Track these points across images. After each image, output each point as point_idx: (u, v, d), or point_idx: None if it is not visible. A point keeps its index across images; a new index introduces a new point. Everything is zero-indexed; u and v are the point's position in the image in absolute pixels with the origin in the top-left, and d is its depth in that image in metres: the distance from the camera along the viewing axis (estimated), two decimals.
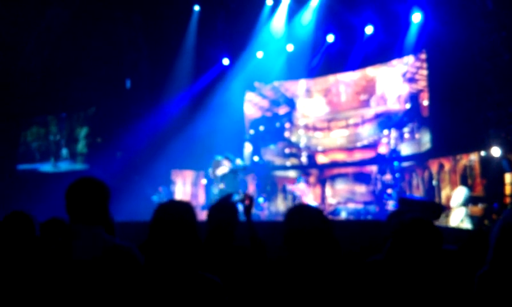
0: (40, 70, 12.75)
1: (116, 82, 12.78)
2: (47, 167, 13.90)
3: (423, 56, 11.53)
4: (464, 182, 9.86)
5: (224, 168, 10.36)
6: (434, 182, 10.64)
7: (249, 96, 14.24)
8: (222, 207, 3.17)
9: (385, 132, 12.11)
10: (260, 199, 12.81)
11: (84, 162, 13.34)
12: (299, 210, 2.25)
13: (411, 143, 11.64)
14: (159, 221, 1.96)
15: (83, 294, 1.91)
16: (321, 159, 13.24)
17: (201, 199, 13.22)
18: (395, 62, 12.12)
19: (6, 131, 13.46)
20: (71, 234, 2.03)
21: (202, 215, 11.95)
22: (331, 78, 13.29)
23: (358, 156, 12.55)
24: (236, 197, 3.54)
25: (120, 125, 12.37)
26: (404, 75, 11.95)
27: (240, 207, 3.39)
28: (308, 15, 12.60)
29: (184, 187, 13.20)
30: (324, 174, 12.96)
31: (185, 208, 2.02)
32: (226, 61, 13.63)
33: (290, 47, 13.17)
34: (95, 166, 12.48)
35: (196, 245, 1.94)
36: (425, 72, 11.46)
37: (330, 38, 12.61)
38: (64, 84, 12.89)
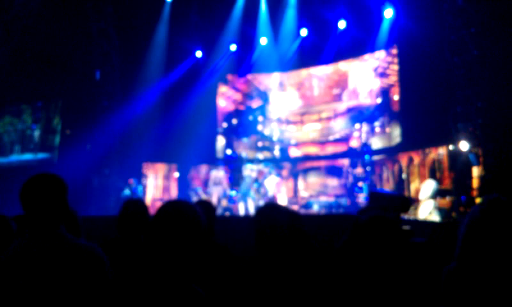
0: (7, 59, 12.34)
1: (86, 74, 12.49)
2: (21, 159, 13.49)
3: (394, 51, 11.69)
4: (432, 175, 10.07)
5: None
6: (403, 175, 10.84)
7: (222, 89, 14.17)
8: (202, 204, 3.17)
9: (357, 125, 12.25)
10: (233, 193, 12.81)
11: (58, 155, 13.00)
12: (268, 209, 2.25)
13: (382, 137, 11.81)
14: (165, 222, 1.85)
15: (43, 297, 1.85)
16: (294, 153, 13.30)
17: (174, 192, 13.12)
18: (367, 57, 12.26)
19: None
20: (29, 235, 1.95)
21: None
22: (304, 72, 13.34)
23: (330, 149, 12.67)
24: None
25: (90, 117, 12.11)
26: (375, 69, 12.10)
27: None
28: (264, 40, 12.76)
29: (156, 180, 13.06)
30: (296, 167, 13.04)
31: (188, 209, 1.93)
32: (198, 54, 13.51)
33: (263, 40, 13.14)
34: (65, 159, 12.21)
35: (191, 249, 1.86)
36: (396, 67, 11.62)
37: (304, 32, 12.64)
38: (34, 74, 12.53)
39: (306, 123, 13.23)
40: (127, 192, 11.51)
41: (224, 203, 12.76)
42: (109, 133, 11.82)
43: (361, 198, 11.36)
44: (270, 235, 2.12)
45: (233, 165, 13.37)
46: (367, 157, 11.72)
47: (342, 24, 11.96)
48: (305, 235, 2.20)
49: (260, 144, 13.75)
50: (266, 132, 13.73)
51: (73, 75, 12.40)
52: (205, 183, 13.25)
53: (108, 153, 11.95)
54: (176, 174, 13.24)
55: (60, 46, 12.31)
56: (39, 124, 13.46)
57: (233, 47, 13.41)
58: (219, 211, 12.25)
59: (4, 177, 12.30)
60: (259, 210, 2.27)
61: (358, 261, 1.97)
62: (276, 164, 13.30)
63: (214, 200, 12.66)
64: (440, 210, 9.61)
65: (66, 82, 12.54)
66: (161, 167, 13.21)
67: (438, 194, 9.81)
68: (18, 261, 1.88)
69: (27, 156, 13.37)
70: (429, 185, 9.99)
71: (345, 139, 12.45)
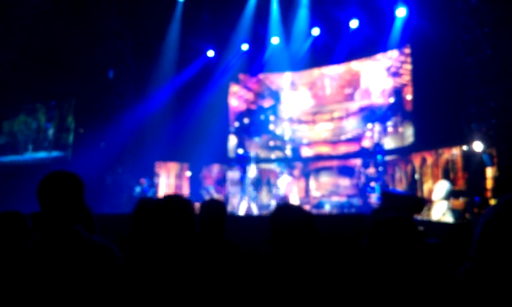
0: (22, 59, 12.49)
1: (99, 73, 12.60)
2: (35, 157, 13.64)
3: (407, 51, 11.61)
4: (446, 176, 9.99)
5: None
6: (416, 176, 10.77)
7: (234, 89, 14.20)
8: (213, 203, 3.21)
9: (369, 125, 12.19)
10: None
11: (72, 153, 13.13)
12: (283, 209, 2.31)
13: (395, 137, 11.74)
14: (162, 216, 1.93)
15: (60, 293, 1.87)
16: (306, 152, 13.28)
17: (186, 191, 13.17)
18: (379, 56, 12.19)
19: None
20: (46, 232, 1.98)
21: None
22: (316, 72, 13.31)
23: (342, 149, 12.63)
24: None
25: (103, 115, 12.21)
26: (388, 69, 12.03)
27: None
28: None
29: (168, 179, 13.13)
30: (308, 167, 13.02)
31: (187, 204, 1.99)
32: (210, 53, 13.55)
33: (275, 40, 13.14)
34: (78, 157, 12.33)
35: (188, 241, 1.92)
36: (409, 67, 11.55)
37: (316, 31, 12.61)
38: (48, 73, 12.66)
39: (318, 122, 13.20)
40: (137, 190, 11.60)
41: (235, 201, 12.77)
42: (122, 132, 11.91)
43: (374, 198, 11.29)
44: (285, 233, 2.16)
45: (245, 165, 13.38)
46: (379, 157, 11.65)
47: (354, 23, 11.91)
48: (317, 233, 2.24)
49: (271, 143, 13.76)
50: (278, 132, 13.73)
51: (87, 74, 12.51)
52: (217, 182, 13.28)
53: (121, 152, 12.04)
54: (188, 173, 13.30)
55: (74, 45, 12.43)
56: (53, 123, 13.61)
57: (245, 47, 13.42)
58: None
59: (18, 175, 12.46)
60: (275, 209, 2.32)
61: (380, 262, 1.99)
62: (287, 163, 13.29)
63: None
64: (454, 211, 9.53)
65: (80, 81, 12.65)
66: (173, 166, 13.28)
67: (451, 194, 9.73)
68: (36, 258, 1.91)
69: (41, 154, 13.53)
70: (443, 186, 9.91)
71: (357, 139, 12.40)
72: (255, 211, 12.12)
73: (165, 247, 1.87)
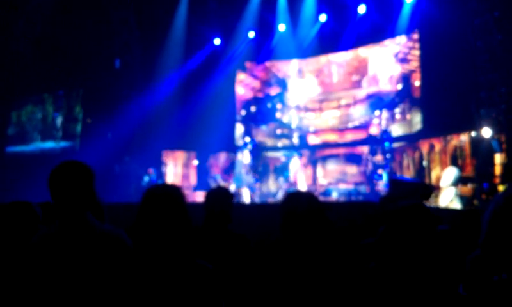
0: (29, 49, 12.53)
1: (106, 62, 12.61)
2: (43, 146, 13.73)
3: (415, 36, 11.48)
4: (454, 162, 9.93)
5: None
6: (424, 163, 10.71)
7: (241, 77, 14.15)
8: (219, 191, 3.21)
9: (376, 112, 12.12)
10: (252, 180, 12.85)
11: (80, 143, 13.19)
12: (294, 196, 2.32)
13: (402, 124, 11.67)
14: (148, 205, 1.95)
15: (72, 282, 1.89)
16: (313, 140, 13.24)
17: (193, 180, 13.21)
18: (387, 42, 12.07)
19: None
20: (58, 221, 1.99)
21: (194, 196, 11.93)
22: (323, 59, 13.22)
23: (350, 137, 12.57)
24: None
25: (111, 105, 12.25)
26: (396, 55, 11.92)
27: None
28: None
29: (175, 168, 13.17)
30: (315, 155, 12.99)
31: (175, 191, 2.00)
32: (217, 41, 13.50)
33: (282, 27, 13.04)
34: (86, 147, 12.39)
35: (186, 229, 1.94)
36: (417, 52, 11.43)
37: (323, 18, 12.50)
38: (55, 63, 12.69)
39: (325, 110, 13.14)
40: (146, 179, 11.66)
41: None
42: (129, 121, 11.94)
43: (381, 186, 11.27)
44: (296, 219, 2.18)
45: (253, 153, 13.38)
46: (386, 144, 11.60)
47: (361, 9, 11.79)
48: (328, 220, 2.25)
49: (278, 131, 13.72)
50: (285, 120, 13.69)
51: (94, 64, 12.53)
52: (224, 171, 13.31)
53: (128, 141, 12.09)
54: (196, 162, 13.32)
55: (81, 35, 12.43)
56: (61, 113, 13.67)
57: (251, 34, 13.35)
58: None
59: (27, 165, 12.56)
60: (286, 196, 2.34)
61: (399, 249, 2.00)
62: (294, 151, 13.27)
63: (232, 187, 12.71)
64: (462, 197, 9.48)
65: (87, 71, 12.68)
66: (180, 155, 13.31)
67: (459, 181, 9.67)
68: (49, 247, 1.93)
69: (50, 144, 13.61)
70: (451, 172, 9.86)
71: (364, 126, 12.33)
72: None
73: (157, 236, 1.88)
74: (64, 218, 2.00)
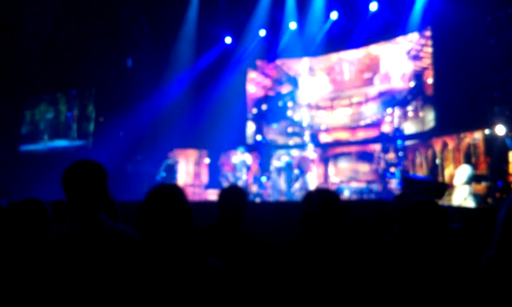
0: (42, 49, 12.66)
1: (117, 62, 12.70)
2: (56, 145, 13.87)
3: (428, 33, 11.38)
4: (467, 160, 9.83)
5: None
6: (437, 161, 10.62)
7: (252, 75, 14.14)
8: (234, 190, 3.21)
9: (389, 110, 12.04)
10: (263, 178, 12.85)
11: (93, 142, 13.30)
12: (318, 193, 2.33)
13: (415, 122, 11.58)
14: (149, 204, 1.95)
15: (84, 280, 1.91)
16: (324, 138, 13.19)
17: (205, 178, 13.25)
18: (399, 39, 11.98)
19: (6, 112, 13.41)
20: (71, 219, 2.01)
21: (205, 195, 11.95)
22: (335, 57, 13.16)
23: (362, 135, 12.51)
24: None
25: (123, 104, 12.33)
26: (408, 52, 11.82)
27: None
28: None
29: (187, 166, 13.22)
30: (327, 153, 12.94)
31: (175, 191, 2.00)
32: (228, 40, 13.51)
33: (292, 25, 13.01)
34: (99, 146, 12.49)
35: (190, 228, 1.94)
36: (430, 49, 11.32)
37: (334, 15, 12.44)
38: (68, 63, 12.81)
39: (337, 108, 13.08)
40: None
41: (254, 188, 12.81)
42: (141, 120, 12.01)
43: (393, 184, 11.19)
44: (318, 216, 2.18)
45: (263, 151, 13.38)
46: (399, 142, 11.52)
47: (373, 6, 11.72)
48: (349, 219, 2.25)
49: (290, 129, 13.70)
50: (296, 118, 13.66)
51: (106, 63, 12.62)
52: (236, 169, 13.32)
53: (140, 140, 12.16)
54: (207, 160, 13.36)
55: (92, 35, 12.52)
56: (74, 112, 13.79)
57: (262, 32, 13.33)
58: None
59: (40, 164, 12.68)
60: (307, 193, 2.35)
61: (413, 247, 1.98)
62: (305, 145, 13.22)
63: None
64: (475, 196, 9.39)
65: (99, 70, 12.77)
66: (192, 153, 13.35)
67: (473, 179, 9.58)
68: (64, 245, 1.95)
69: (63, 143, 13.74)
70: (464, 170, 9.77)
71: (376, 124, 12.26)
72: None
73: (158, 235, 1.90)
74: (77, 216, 2.02)
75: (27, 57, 12.68)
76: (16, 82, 13.04)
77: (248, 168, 13.18)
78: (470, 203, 9.34)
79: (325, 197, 2.26)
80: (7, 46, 12.29)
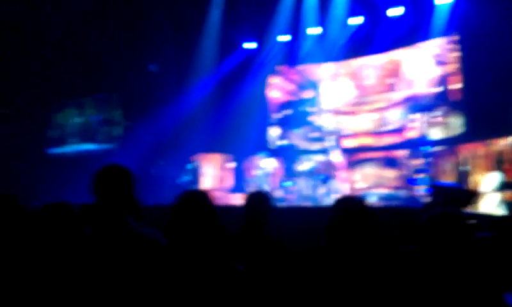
0: (69, 53, 12.93)
1: (142, 66, 12.89)
2: (82, 148, 14.13)
3: (455, 38, 11.18)
4: (497, 167, 9.60)
5: None
6: (465, 167, 10.40)
7: (274, 80, 14.14)
8: (257, 194, 3.24)
9: (414, 115, 11.86)
10: (288, 183, 12.83)
11: (119, 145, 13.50)
12: (347, 200, 2.32)
13: (442, 127, 11.37)
14: (178, 209, 1.98)
15: (111, 283, 1.93)
16: (347, 143, 13.06)
17: (229, 182, 13.28)
18: (423, 44, 11.82)
19: (34, 116, 13.73)
20: (100, 222, 2.06)
21: (230, 199, 12.02)
22: (357, 62, 13.05)
23: (386, 140, 12.34)
24: None
25: (147, 108, 12.49)
26: (434, 57, 11.64)
27: None
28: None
29: (213, 170, 13.29)
30: (351, 158, 12.81)
31: (203, 197, 2.03)
32: (250, 45, 13.56)
33: (315, 30, 12.96)
34: (124, 149, 12.68)
35: (217, 233, 1.97)
36: (456, 55, 11.12)
37: (356, 21, 12.36)
38: (95, 67, 13.05)
39: (360, 113, 12.96)
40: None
41: (279, 193, 12.78)
42: (164, 124, 12.13)
43: (420, 190, 11.00)
44: (348, 223, 2.16)
45: (288, 155, 13.36)
46: (427, 147, 11.33)
47: (396, 11, 11.61)
48: (378, 226, 2.22)
49: (312, 134, 13.63)
50: (318, 123, 13.58)
51: (130, 67, 12.81)
52: (260, 174, 13.32)
53: (163, 144, 12.29)
54: (232, 165, 13.40)
55: (118, 40, 12.73)
56: (100, 116, 14.02)
57: (284, 38, 13.33)
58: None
59: (67, 167, 12.93)
60: (337, 199, 2.33)
61: (435, 259, 1.96)
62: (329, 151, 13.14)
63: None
64: (506, 203, 9.16)
65: (124, 75, 12.98)
66: (217, 158, 13.41)
67: (503, 186, 9.35)
68: (91, 247, 1.98)
69: (89, 146, 13.98)
70: (494, 178, 9.54)
71: (401, 130, 12.09)
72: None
73: (187, 239, 1.93)
74: (106, 219, 2.06)
75: (55, 62, 12.96)
76: (44, 86, 13.35)
77: (272, 174, 13.17)
78: (501, 211, 9.12)
79: (353, 205, 2.25)
80: (35, 51, 12.60)
